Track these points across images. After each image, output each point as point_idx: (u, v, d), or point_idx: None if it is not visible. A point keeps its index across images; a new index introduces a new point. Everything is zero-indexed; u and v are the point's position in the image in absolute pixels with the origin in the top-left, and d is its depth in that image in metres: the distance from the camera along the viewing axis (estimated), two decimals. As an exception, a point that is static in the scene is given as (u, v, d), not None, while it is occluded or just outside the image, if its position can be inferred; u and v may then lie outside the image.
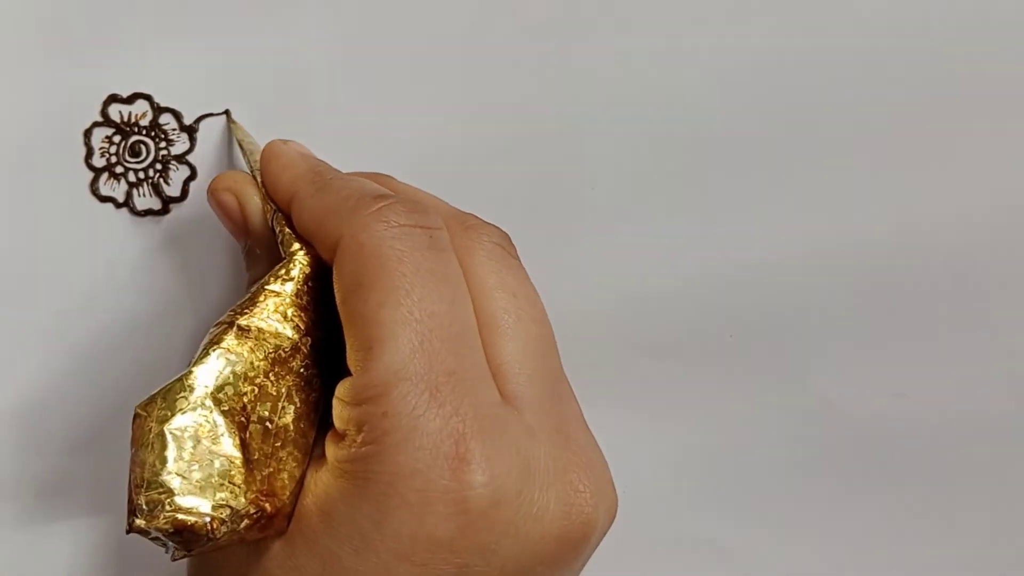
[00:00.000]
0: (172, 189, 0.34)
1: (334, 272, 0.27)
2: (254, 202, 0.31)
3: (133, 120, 0.34)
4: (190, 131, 0.34)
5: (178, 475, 0.25)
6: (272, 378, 0.27)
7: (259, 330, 0.27)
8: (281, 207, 0.30)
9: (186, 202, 0.34)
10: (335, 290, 0.27)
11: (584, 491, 0.26)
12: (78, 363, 0.34)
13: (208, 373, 0.26)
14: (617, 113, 0.35)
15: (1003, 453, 0.36)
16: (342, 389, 0.26)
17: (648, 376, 0.36)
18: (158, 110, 0.34)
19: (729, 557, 0.36)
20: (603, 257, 0.35)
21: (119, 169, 0.34)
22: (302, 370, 0.28)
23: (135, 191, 0.34)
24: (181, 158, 0.34)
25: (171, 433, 0.26)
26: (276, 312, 0.28)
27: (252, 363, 0.27)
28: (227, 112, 0.34)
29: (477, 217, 0.29)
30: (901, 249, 0.35)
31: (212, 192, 0.32)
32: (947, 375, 0.35)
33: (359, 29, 0.34)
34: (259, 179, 0.31)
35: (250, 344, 0.27)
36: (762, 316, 0.35)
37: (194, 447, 0.26)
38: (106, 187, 0.34)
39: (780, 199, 0.35)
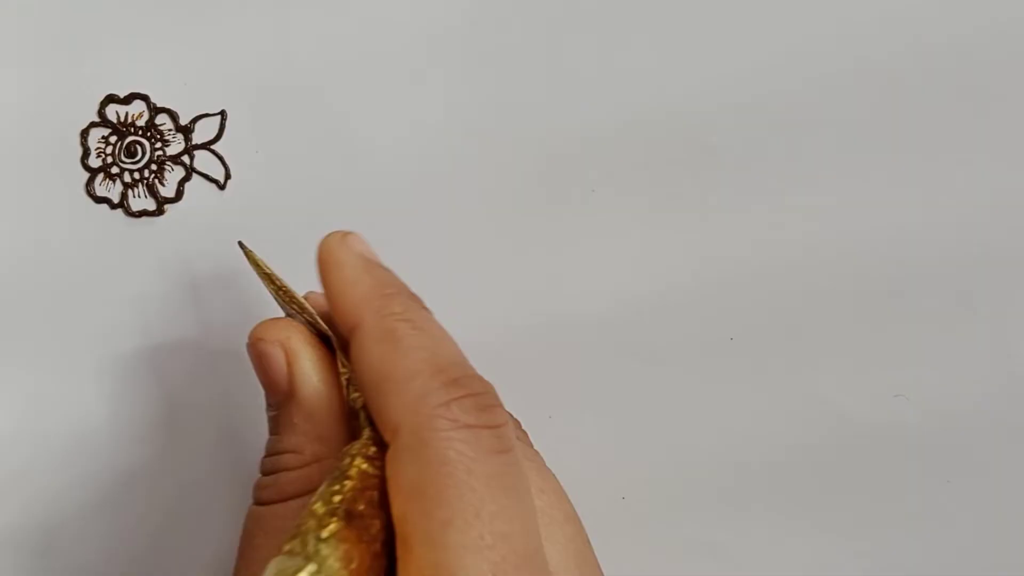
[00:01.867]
0: (167, 190, 0.34)
1: (388, 469, 0.24)
2: (306, 364, 0.27)
3: (130, 120, 0.34)
4: (186, 132, 0.34)
5: None
6: None
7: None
8: (339, 332, 0.26)
9: (181, 203, 0.34)
10: (388, 489, 0.23)
11: None
12: (71, 364, 0.34)
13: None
14: (616, 116, 0.35)
15: (1002, 453, 0.35)
16: None
17: (648, 379, 0.35)
18: (155, 111, 0.34)
19: (729, 559, 0.35)
20: (602, 260, 0.35)
21: (115, 170, 0.34)
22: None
23: (130, 192, 0.34)
24: (176, 159, 0.34)
25: None
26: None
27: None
28: (240, 243, 0.30)
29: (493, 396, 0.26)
30: (900, 250, 0.35)
31: (255, 344, 0.27)
32: (946, 375, 0.35)
33: (356, 30, 0.34)
34: (299, 319, 0.27)
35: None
36: (762, 318, 0.35)
37: None
38: (102, 188, 0.34)
39: (779, 201, 0.35)
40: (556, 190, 0.35)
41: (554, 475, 0.27)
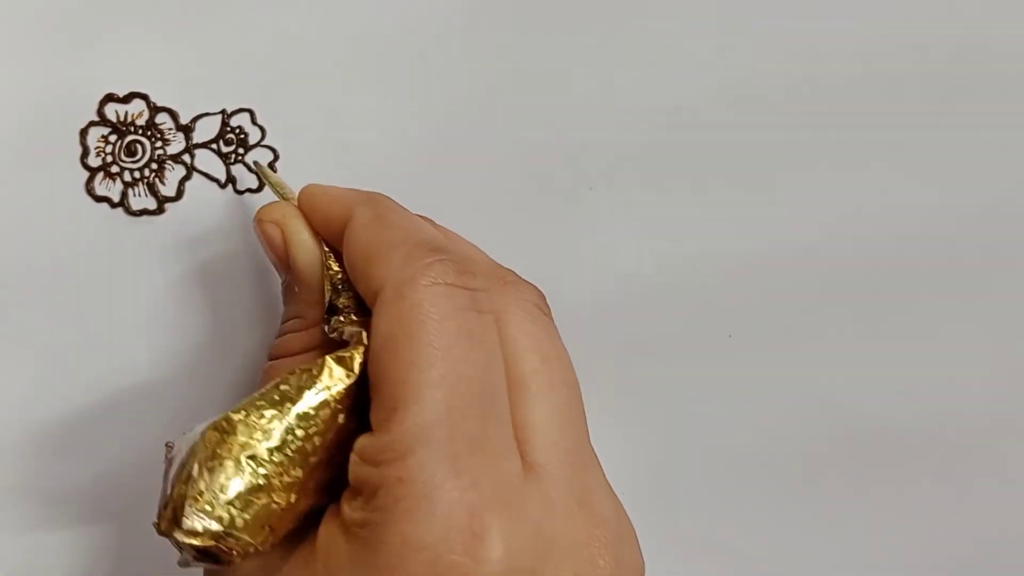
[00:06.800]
0: (168, 189, 0.34)
1: (372, 319, 0.26)
2: (300, 237, 0.30)
3: (129, 119, 0.34)
4: (186, 131, 0.34)
5: (238, 510, 0.25)
6: (335, 431, 0.26)
7: (346, 370, 0.26)
8: (331, 234, 0.29)
9: (181, 202, 0.34)
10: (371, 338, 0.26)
11: (603, 566, 0.25)
12: (71, 364, 0.34)
13: (300, 411, 0.26)
14: (615, 113, 0.35)
15: (1003, 452, 0.36)
16: (361, 444, 0.25)
17: (646, 376, 0.35)
18: (154, 109, 0.34)
19: (728, 558, 0.36)
20: (600, 257, 0.35)
21: (115, 169, 0.34)
22: (349, 426, 0.26)
23: (130, 191, 0.34)
24: (177, 158, 0.34)
25: (248, 464, 0.25)
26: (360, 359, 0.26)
27: (332, 406, 0.26)
28: (256, 162, 0.34)
29: (514, 273, 0.29)
30: (901, 248, 0.35)
31: (257, 222, 0.31)
32: (947, 374, 0.35)
33: (356, 27, 0.34)
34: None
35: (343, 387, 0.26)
36: (761, 315, 0.35)
37: (256, 486, 0.25)
38: (102, 187, 0.34)
39: (778, 198, 0.35)
40: (554, 187, 0.35)
41: (565, 350, 0.28)
